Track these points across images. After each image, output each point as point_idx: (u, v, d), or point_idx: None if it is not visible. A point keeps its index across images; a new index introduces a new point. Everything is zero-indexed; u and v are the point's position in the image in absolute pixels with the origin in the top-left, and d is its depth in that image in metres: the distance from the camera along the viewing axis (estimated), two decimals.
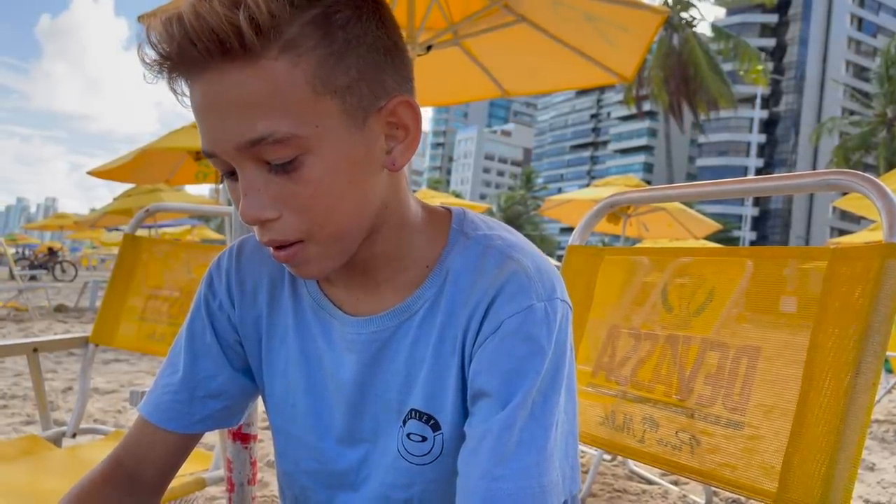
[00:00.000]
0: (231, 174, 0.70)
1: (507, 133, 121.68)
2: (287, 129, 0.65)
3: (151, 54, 0.66)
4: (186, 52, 0.63)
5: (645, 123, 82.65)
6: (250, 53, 0.63)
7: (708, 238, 10.99)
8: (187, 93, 0.68)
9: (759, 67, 39.54)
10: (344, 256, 0.74)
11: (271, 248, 0.72)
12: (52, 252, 23.44)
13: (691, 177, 74.15)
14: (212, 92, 0.65)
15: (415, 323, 0.79)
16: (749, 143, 66.27)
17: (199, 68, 0.65)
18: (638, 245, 9.45)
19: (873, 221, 7.22)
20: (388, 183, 0.75)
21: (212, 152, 0.68)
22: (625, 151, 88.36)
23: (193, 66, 0.65)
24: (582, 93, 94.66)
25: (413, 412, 0.79)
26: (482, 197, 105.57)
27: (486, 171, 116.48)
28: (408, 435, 0.80)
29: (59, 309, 10.86)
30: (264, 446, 3.26)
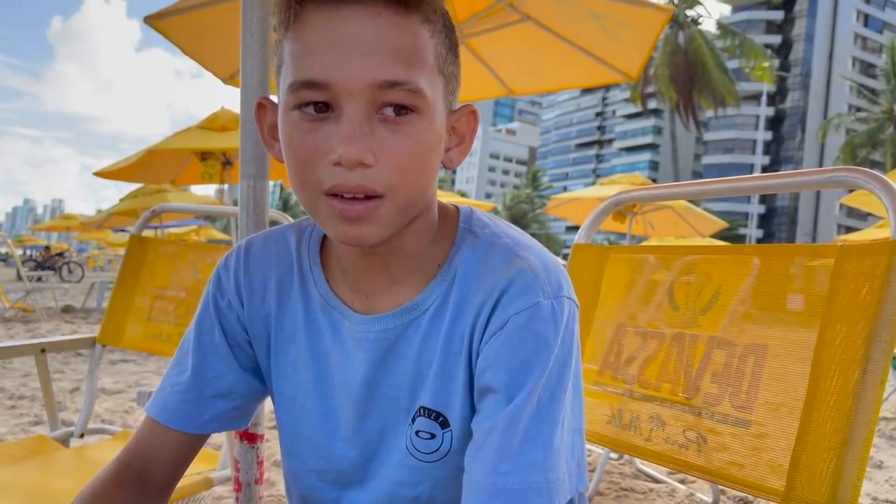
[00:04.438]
0: (317, 109, 0.69)
1: (512, 132, 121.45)
2: (421, 84, 0.69)
3: None
4: None
5: (650, 121, 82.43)
6: (407, 8, 0.69)
7: (714, 236, 10.96)
8: (307, 24, 0.69)
9: (766, 64, 39.34)
10: (397, 229, 0.73)
11: (337, 206, 0.69)
12: (48, 251, 23.47)
13: (697, 175, 73.83)
14: (362, 27, 0.67)
15: (424, 321, 0.79)
16: (755, 141, 65.95)
17: (356, 2, 0.67)
18: (644, 243, 9.43)
19: (881, 218, 7.18)
20: (437, 178, 0.79)
21: (328, 82, 0.67)
22: (630, 149, 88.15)
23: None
24: (587, 91, 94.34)
25: (422, 409, 0.80)
26: (487, 196, 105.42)
27: (492, 169, 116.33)
28: (416, 432, 0.80)
29: (67, 310, 10.90)
30: (271, 446, 3.27)
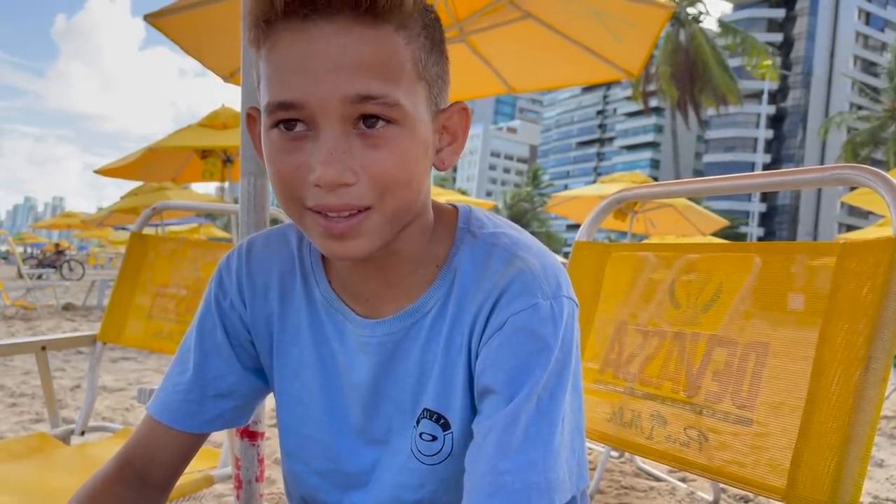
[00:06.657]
0: (293, 127, 0.68)
1: (512, 130, 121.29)
2: (397, 96, 0.67)
3: None
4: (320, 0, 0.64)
5: (651, 120, 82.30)
6: (377, 19, 0.66)
7: (715, 234, 10.95)
8: (277, 43, 0.67)
9: (768, 62, 39.26)
10: (387, 239, 0.73)
11: (322, 223, 0.69)
12: (57, 247, 23.51)
13: (698, 173, 73.63)
14: (331, 43, 0.65)
15: (426, 324, 0.79)
16: (756, 139, 65.80)
17: (323, 18, 0.65)
18: (645, 241, 9.40)
19: (882, 217, 7.18)
20: (428, 181, 0.77)
21: (302, 102, 0.66)
22: (631, 148, 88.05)
23: (315, 14, 0.65)
24: (588, 89, 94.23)
25: (426, 412, 0.80)
26: (488, 194, 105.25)
27: (492, 167, 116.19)
28: (420, 435, 0.80)
29: (67, 307, 10.91)
30: (272, 443, 3.26)
